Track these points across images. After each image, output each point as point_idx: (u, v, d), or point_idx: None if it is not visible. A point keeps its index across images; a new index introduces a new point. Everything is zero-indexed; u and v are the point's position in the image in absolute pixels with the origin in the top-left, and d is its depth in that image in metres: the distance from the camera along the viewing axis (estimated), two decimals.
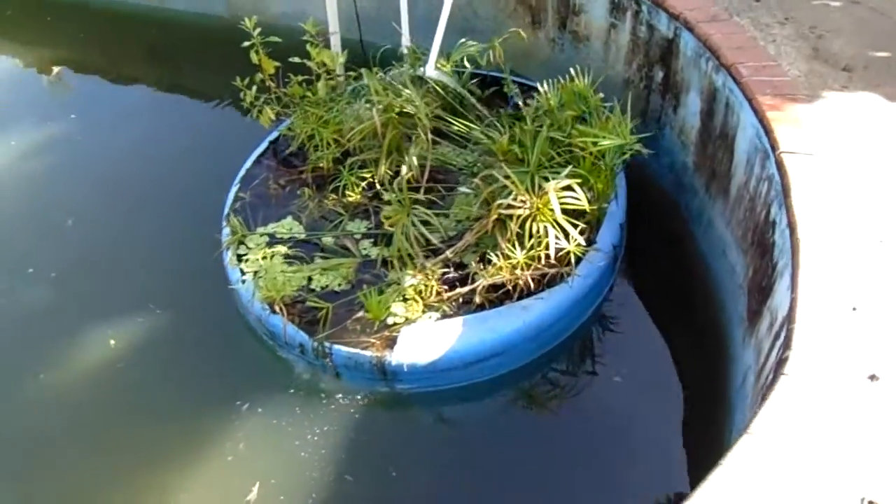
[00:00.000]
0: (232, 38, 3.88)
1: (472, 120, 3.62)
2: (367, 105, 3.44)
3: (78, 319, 3.51)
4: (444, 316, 3.08)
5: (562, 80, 3.43)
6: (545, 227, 2.87)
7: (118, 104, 5.35)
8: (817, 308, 2.12)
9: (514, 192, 2.90)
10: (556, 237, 2.91)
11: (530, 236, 2.93)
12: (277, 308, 3.13)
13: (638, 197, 3.77)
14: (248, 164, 3.85)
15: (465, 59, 3.90)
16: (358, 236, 3.42)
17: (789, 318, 2.16)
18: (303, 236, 3.45)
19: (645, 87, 3.78)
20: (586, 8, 3.94)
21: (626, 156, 3.15)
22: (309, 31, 3.73)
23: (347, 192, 3.55)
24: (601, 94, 3.33)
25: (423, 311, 3.09)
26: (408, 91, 3.52)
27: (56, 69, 5.99)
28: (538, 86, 4.05)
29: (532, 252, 2.94)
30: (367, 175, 3.56)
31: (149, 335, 3.43)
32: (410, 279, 3.10)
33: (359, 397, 3.12)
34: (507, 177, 2.96)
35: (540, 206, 2.89)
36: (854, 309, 2.15)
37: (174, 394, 3.25)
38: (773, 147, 2.71)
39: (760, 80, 2.98)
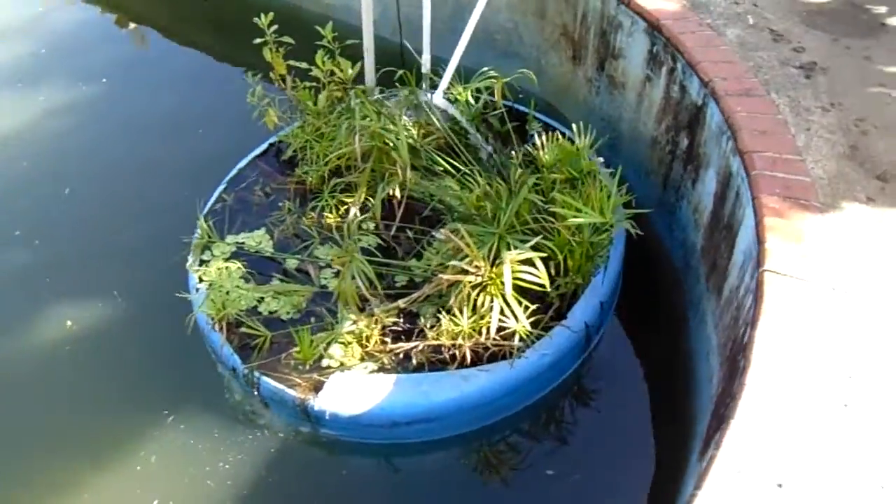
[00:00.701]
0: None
1: (470, 159, 3.36)
2: (347, 130, 3.24)
3: (44, 292, 3.53)
4: (381, 368, 2.87)
5: (561, 136, 3.12)
6: (491, 302, 2.60)
7: (165, 67, 5.40)
8: (736, 480, 1.79)
9: (469, 257, 2.65)
10: (503, 315, 2.63)
11: (475, 308, 2.68)
12: (218, 326, 3.01)
13: (647, 266, 3.43)
14: (243, 164, 3.74)
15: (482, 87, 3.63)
16: (322, 264, 3.25)
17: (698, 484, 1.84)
18: (269, 253, 3.31)
19: (670, 151, 3.41)
20: (625, 53, 3.59)
21: (606, 235, 2.83)
22: (326, 37, 3.57)
23: (326, 214, 3.39)
24: (601, 159, 3.01)
25: (361, 360, 2.89)
26: (404, 120, 3.30)
27: (133, 25, 6.12)
28: (563, 128, 3.78)
29: (473, 324, 2.69)
30: (349, 200, 3.38)
31: (105, 324, 3.40)
32: (350, 324, 2.91)
33: (281, 434, 2.97)
34: (466, 236, 2.71)
35: (493, 276, 2.62)
36: (779, 486, 1.80)
37: (110, 388, 3.20)
38: (759, 262, 2.34)
39: (773, 175, 2.58)
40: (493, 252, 2.67)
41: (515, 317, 2.64)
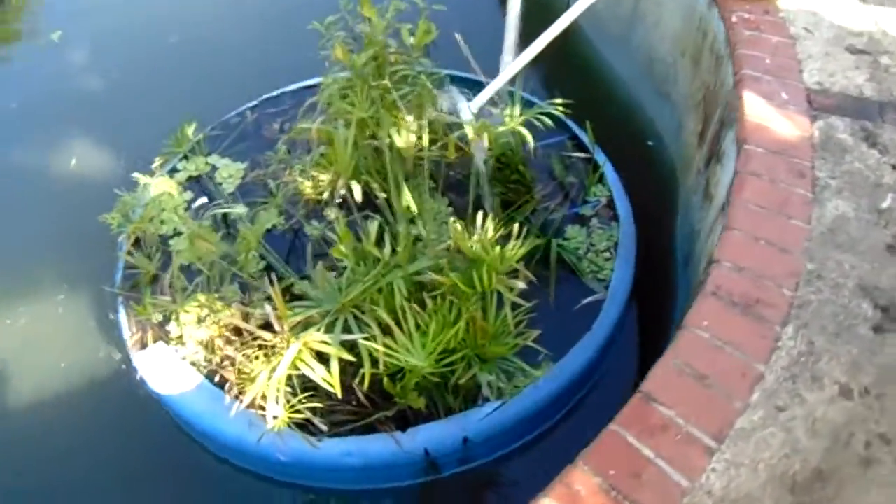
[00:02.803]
0: None
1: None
2: (342, 106, 2.75)
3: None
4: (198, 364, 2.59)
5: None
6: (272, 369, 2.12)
7: None
8: None
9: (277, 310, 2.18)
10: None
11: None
12: (128, 237, 2.91)
13: None
14: (288, 89, 3.46)
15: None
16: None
17: None
18: (226, 192, 3.08)
19: None
20: (724, 162, 2.56)
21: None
22: None
23: (300, 180, 3.02)
24: (520, 286, 2.22)
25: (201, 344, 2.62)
26: (408, 119, 2.74)
27: None
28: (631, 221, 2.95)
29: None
30: (323, 176, 2.96)
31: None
32: (194, 305, 2.61)
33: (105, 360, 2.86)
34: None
35: (284, 343, 2.13)
36: None
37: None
38: None
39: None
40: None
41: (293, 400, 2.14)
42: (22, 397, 2.81)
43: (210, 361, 2.56)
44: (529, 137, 2.69)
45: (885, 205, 2.12)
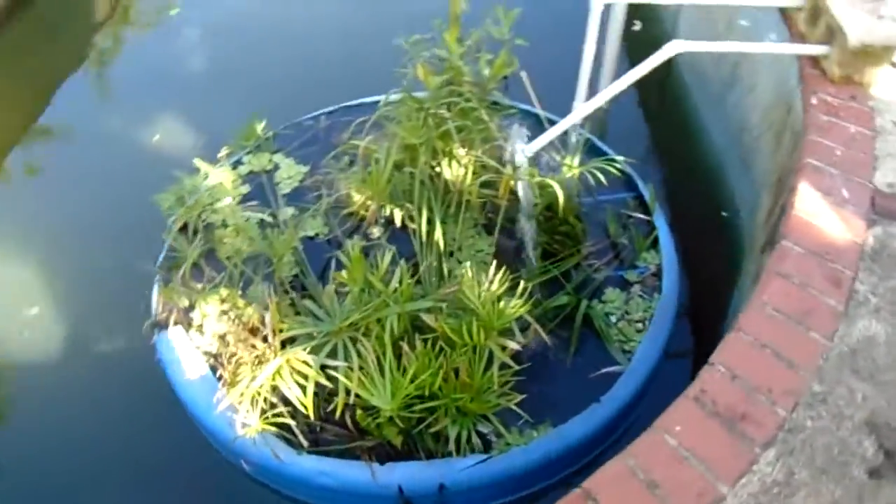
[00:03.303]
0: None
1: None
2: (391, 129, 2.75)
3: None
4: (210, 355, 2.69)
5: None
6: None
7: None
8: None
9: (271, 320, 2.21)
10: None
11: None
12: (178, 221, 3.06)
13: None
14: (371, 99, 3.49)
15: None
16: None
17: None
18: (282, 192, 3.17)
19: None
20: None
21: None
22: None
23: (352, 193, 3.06)
24: (513, 346, 2.13)
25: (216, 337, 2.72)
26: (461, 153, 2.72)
27: None
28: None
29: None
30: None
31: None
32: (216, 301, 2.69)
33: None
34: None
35: (277, 353, 2.16)
36: None
37: None
38: None
39: None
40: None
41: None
42: (48, 350, 3.03)
43: (220, 355, 2.65)
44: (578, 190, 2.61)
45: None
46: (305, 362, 2.11)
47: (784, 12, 2.93)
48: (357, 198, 2.94)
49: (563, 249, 2.91)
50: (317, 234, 3.03)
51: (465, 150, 2.82)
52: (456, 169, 2.80)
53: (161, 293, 2.79)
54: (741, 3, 3.03)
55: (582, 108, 2.76)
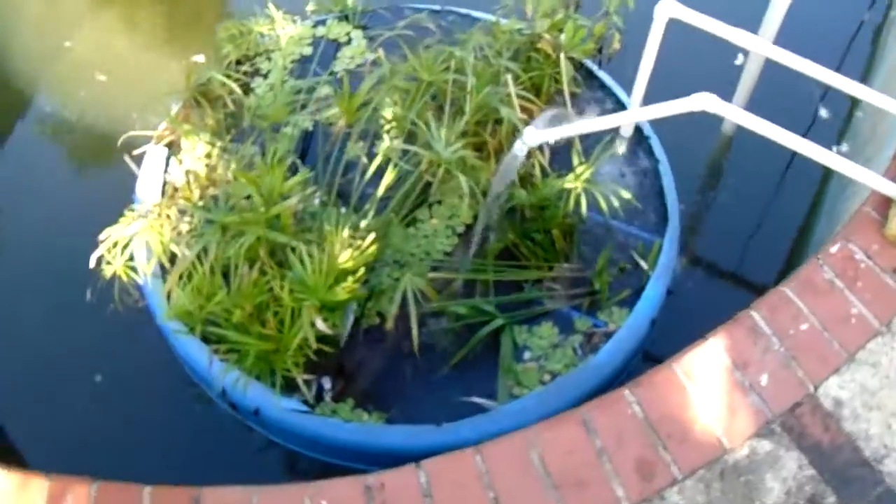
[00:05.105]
0: None
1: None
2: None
3: None
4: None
5: None
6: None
7: None
8: None
9: None
10: None
11: None
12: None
13: None
14: (469, 13, 3.16)
15: None
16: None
17: None
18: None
19: None
20: None
21: None
22: None
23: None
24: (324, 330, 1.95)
25: None
26: None
27: None
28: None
29: None
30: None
31: None
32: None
33: None
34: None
35: None
36: None
37: None
38: None
39: None
40: None
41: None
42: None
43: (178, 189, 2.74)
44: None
45: None
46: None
47: None
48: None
49: (531, 259, 2.56)
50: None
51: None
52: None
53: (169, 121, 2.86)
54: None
55: (612, 116, 2.32)
